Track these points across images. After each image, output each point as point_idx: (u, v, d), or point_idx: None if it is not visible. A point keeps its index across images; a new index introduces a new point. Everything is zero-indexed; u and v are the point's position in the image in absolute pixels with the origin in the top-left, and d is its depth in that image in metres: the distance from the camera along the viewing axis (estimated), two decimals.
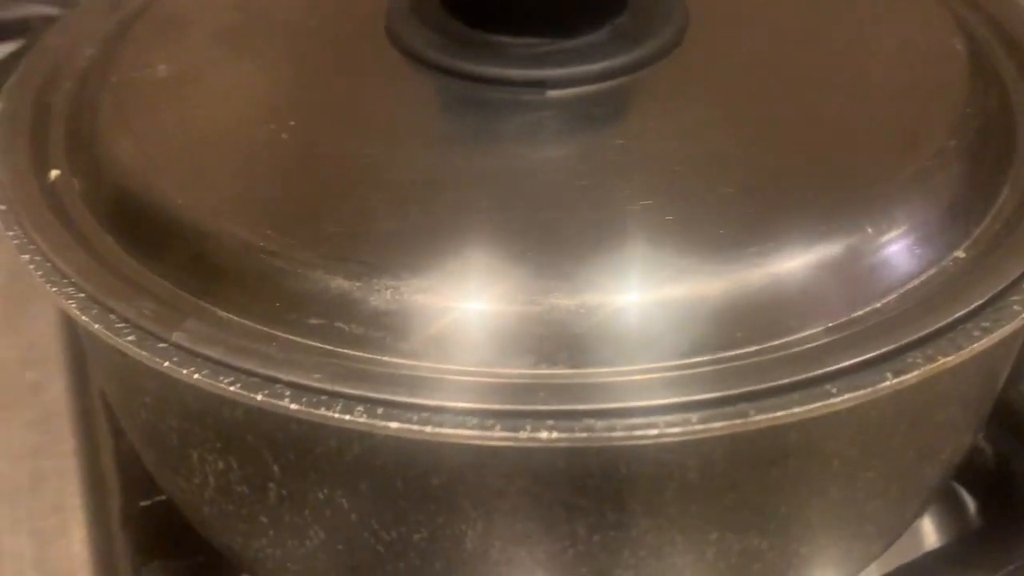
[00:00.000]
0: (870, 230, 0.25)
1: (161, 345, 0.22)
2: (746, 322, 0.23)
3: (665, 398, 0.21)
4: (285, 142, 0.27)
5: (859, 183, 0.26)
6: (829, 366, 0.22)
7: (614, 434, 0.21)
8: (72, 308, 0.23)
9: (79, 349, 0.45)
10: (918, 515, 0.33)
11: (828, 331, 0.23)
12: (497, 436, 0.20)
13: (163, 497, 0.36)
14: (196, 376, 0.22)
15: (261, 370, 0.21)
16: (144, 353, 0.22)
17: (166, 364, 0.22)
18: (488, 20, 0.29)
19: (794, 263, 0.24)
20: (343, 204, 0.25)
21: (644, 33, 0.30)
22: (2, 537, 0.36)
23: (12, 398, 0.42)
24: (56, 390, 0.42)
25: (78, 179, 0.28)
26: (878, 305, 0.24)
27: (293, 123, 0.28)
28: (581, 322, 0.23)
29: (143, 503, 0.37)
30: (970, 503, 0.38)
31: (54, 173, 0.28)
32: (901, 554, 0.35)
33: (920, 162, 0.27)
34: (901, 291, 0.24)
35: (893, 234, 0.25)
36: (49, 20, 0.39)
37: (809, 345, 0.23)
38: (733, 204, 0.25)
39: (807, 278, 0.24)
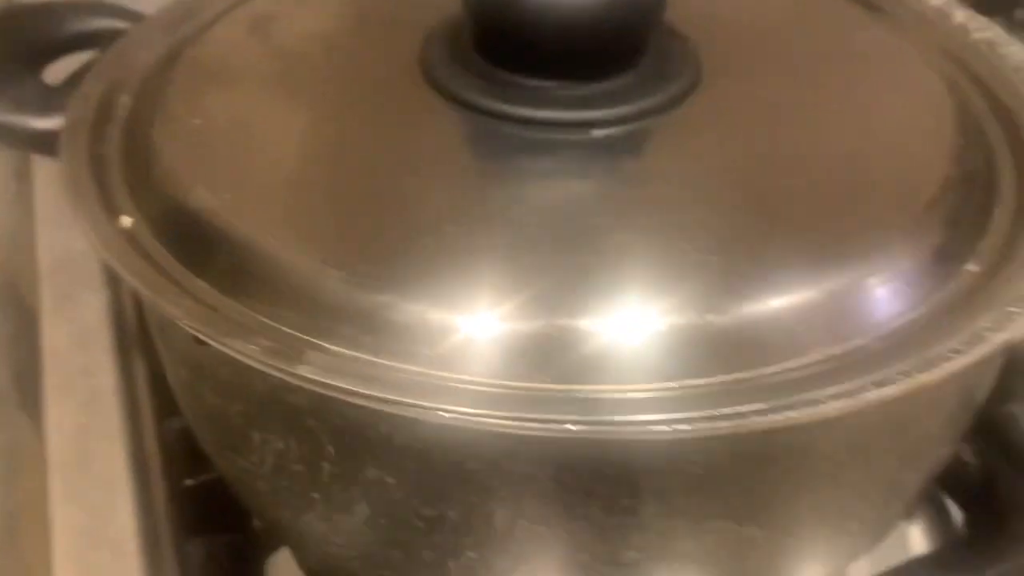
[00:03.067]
0: (862, 270, 0.27)
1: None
2: (746, 349, 0.26)
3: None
4: (342, 183, 0.29)
5: (852, 228, 0.28)
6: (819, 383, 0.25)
7: (629, 429, 0.24)
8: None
9: (126, 336, 0.47)
10: (901, 517, 0.36)
11: (822, 361, 0.26)
12: (529, 426, 0.24)
13: (206, 477, 0.38)
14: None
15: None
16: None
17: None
18: (518, 63, 0.31)
19: (792, 298, 0.26)
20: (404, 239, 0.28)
21: (667, 76, 0.32)
22: (56, 507, 0.38)
23: (63, 380, 0.44)
24: (104, 374, 0.44)
25: (148, 225, 0.30)
26: (863, 342, 0.26)
27: (349, 168, 0.30)
28: (595, 343, 0.25)
29: (187, 482, 0.40)
30: (956, 513, 0.41)
31: (127, 220, 0.29)
32: (890, 559, 0.38)
33: (908, 213, 0.29)
34: (889, 326, 0.27)
35: (884, 275, 0.27)
36: (118, 33, 0.41)
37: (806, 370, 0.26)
38: (738, 244, 0.27)
39: (802, 311, 0.26)
